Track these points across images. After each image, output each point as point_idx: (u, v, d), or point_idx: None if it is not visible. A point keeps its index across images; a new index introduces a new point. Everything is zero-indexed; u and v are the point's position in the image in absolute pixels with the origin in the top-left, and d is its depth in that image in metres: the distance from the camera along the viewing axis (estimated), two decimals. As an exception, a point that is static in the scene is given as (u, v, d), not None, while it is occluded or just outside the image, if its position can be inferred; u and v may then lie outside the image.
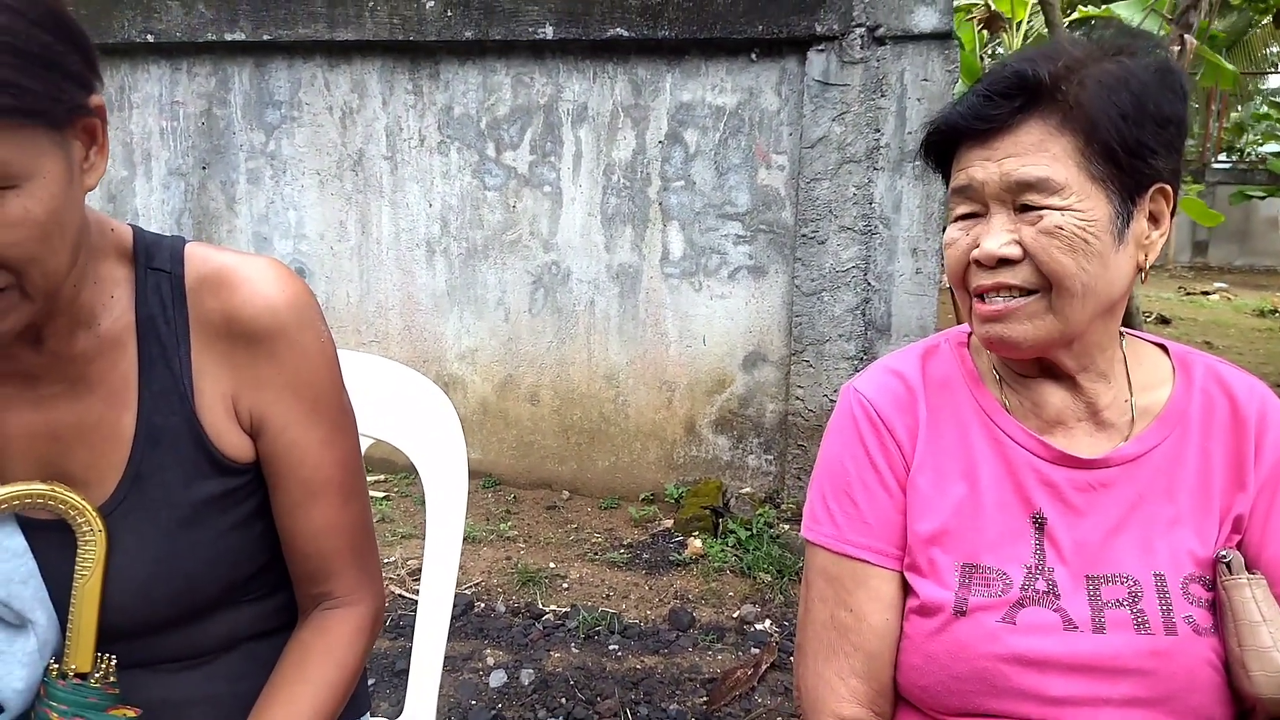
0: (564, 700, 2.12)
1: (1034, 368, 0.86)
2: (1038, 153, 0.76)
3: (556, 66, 3.21)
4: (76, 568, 0.75)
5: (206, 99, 3.46)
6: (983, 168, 0.78)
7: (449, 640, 1.10)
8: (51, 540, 0.76)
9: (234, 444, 0.81)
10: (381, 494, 3.36)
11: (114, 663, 0.78)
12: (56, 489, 0.75)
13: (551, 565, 2.84)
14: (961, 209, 0.82)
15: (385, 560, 2.81)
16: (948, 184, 0.84)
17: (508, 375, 3.43)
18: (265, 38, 3.28)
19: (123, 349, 0.78)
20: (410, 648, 1.11)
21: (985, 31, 5.59)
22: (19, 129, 0.61)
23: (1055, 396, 0.86)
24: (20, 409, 0.76)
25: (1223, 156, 13.67)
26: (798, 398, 3.15)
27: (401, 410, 1.14)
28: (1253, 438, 0.84)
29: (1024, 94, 0.77)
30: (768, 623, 2.50)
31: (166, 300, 0.79)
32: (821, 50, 2.96)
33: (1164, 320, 7.81)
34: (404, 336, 3.49)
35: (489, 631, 2.44)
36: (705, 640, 2.40)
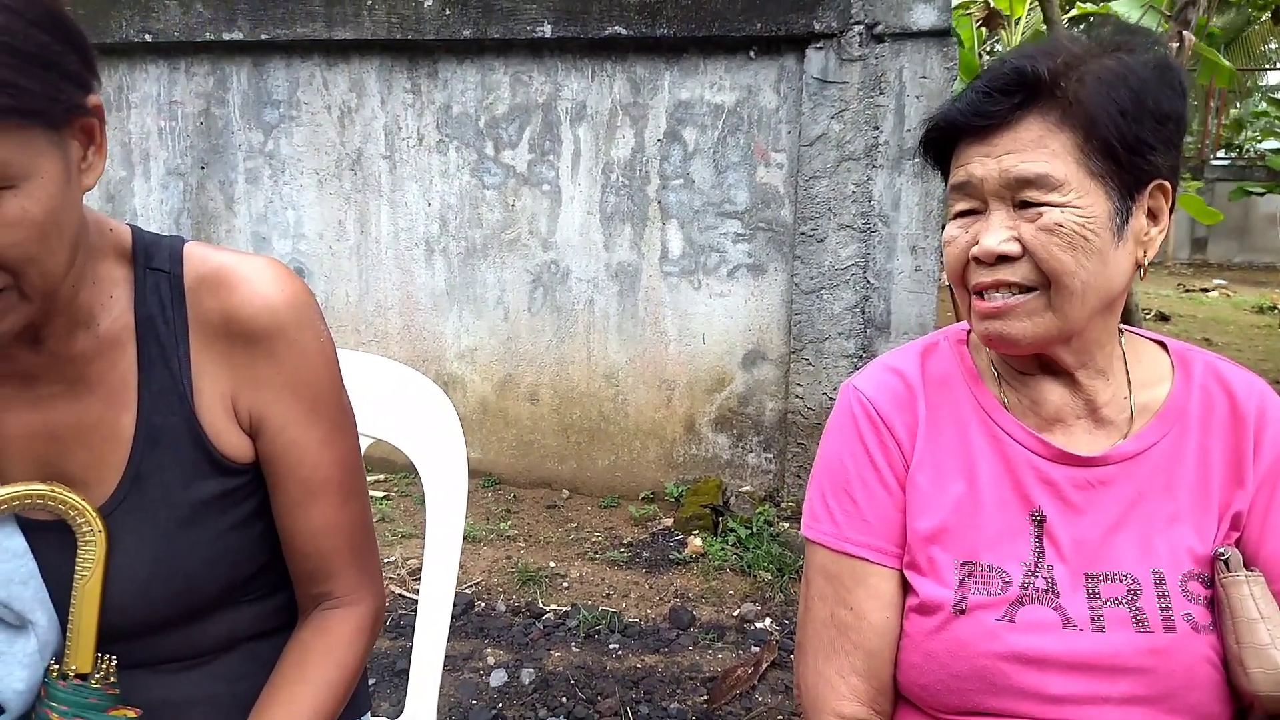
0: (564, 699, 2.12)
1: (1033, 365, 0.86)
2: (1037, 149, 0.76)
3: (555, 65, 3.21)
4: (76, 568, 0.75)
5: (205, 99, 3.45)
6: (982, 164, 0.78)
7: (449, 640, 1.10)
8: (51, 541, 0.76)
9: (233, 444, 0.81)
10: (381, 494, 3.36)
11: (114, 663, 0.78)
12: (56, 489, 0.75)
13: (551, 564, 2.84)
14: (960, 206, 0.82)
15: (385, 560, 2.81)
16: (947, 181, 0.84)
17: (507, 374, 3.43)
18: (263, 37, 3.27)
19: (122, 349, 0.78)
20: (410, 647, 1.11)
21: (984, 29, 5.60)
22: (17, 129, 0.61)
23: (1054, 394, 0.86)
24: (19, 409, 0.76)
25: (1221, 153, 13.67)
26: (797, 396, 3.15)
27: (401, 410, 1.14)
28: (1252, 435, 0.84)
29: (1023, 90, 0.77)
30: (768, 621, 2.50)
31: (165, 300, 0.79)
32: (820, 48, 2.95)
33: (1163, 317, 7.81)
34: (403, 336, 3.49)
35: (489, 631, 2.44)
36: (705, 639, 2.40)
